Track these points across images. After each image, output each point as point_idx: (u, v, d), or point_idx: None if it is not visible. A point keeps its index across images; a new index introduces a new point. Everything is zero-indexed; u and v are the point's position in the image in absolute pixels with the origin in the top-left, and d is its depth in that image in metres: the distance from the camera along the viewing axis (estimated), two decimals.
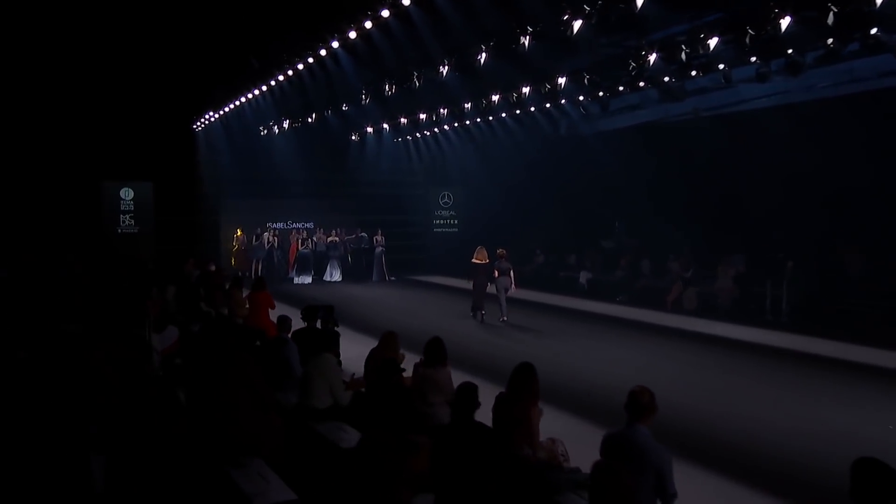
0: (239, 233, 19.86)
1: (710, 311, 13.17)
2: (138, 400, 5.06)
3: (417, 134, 20.00)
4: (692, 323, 12.40)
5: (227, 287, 11.10)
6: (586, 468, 4.06)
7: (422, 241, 22.35)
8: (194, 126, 19.07)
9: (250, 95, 14.66)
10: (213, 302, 10.51)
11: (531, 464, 3.87)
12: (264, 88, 13.58)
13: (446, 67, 11.05)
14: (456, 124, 17.97)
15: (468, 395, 3.78)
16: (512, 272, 12.69)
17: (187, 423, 4.62)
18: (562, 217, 19.34)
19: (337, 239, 19.54)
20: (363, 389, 5.65)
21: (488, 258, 12.80)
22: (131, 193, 19.12)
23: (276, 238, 19.26)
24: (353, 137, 19.75)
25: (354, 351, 7.84)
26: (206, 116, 18.07)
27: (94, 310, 8.56)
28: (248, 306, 10.13)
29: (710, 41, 9.25)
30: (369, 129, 18.88)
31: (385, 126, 18.10)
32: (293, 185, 19.96)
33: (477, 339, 11.06)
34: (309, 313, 6.99)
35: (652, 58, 10.13)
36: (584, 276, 16.70)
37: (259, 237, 19.71)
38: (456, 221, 23.34)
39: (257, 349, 6.62)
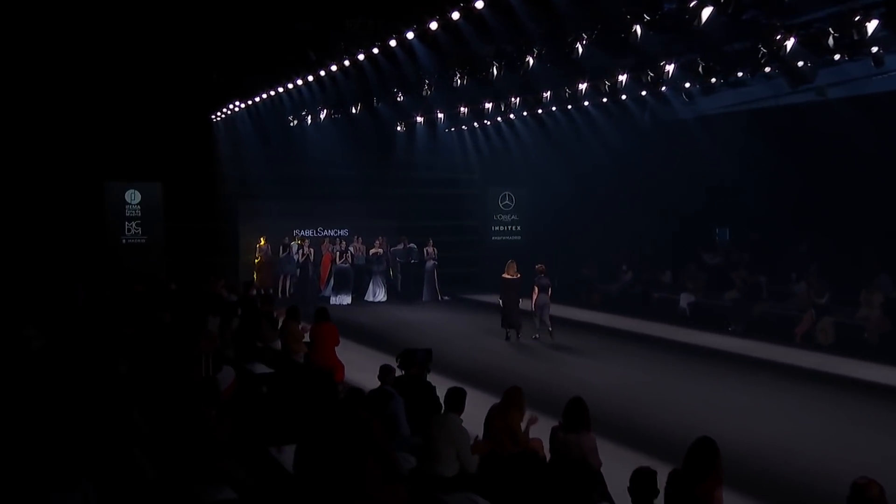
0: (262, 242, 20.53)
1: (853, 347, 13.21)
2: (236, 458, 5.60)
3: (475, 124, 20.44)
4: (829, 362, 12.52)
5: (277, 316, 11.73)
6: None
7: (478, 252, 22.78)
8: (213, 116, 19.78)
9: (290, 86, 15.28)
10: (262, 335, 11.14)
11: None
12: (310, 78, 14.18)
13: (533, 56, 11.48)
14: (525, 113, 18.35)
15: (647, 481, 4.14)
16: (550, 289, 14.39)
17: (309, 492, 5.12)
18: (653, 223, 19.55)
19: (381, 251, 20.06)
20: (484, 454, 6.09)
21: (519, 273, 14.53)
22: (138, 196, 19.92)
23: (311, 249, 19.85)
24: (399, 128, 20.26)
25: None
26: (229, 106, 18.72)
27: (142, 345, 9.17)
28: (304, 340, 10.71)
29: (868, 24, 9.46)
30: (419, 119, 19.37)
31: (440, 115, 18.58)
32: (325, 184, 20.49)
33: (570, 379, 11.41)
34: (407, 359, 7.45)
35: (790, 43, 10.38)
36: (685, 300, 16.94)
37: (287, 247, 20.37)
38: (519, 228, 23.75)
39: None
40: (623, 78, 13.39)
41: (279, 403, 8.17)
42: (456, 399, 6.00)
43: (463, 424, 5.92)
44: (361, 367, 11.42)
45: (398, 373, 7.41)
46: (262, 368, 9.68)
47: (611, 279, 19.64)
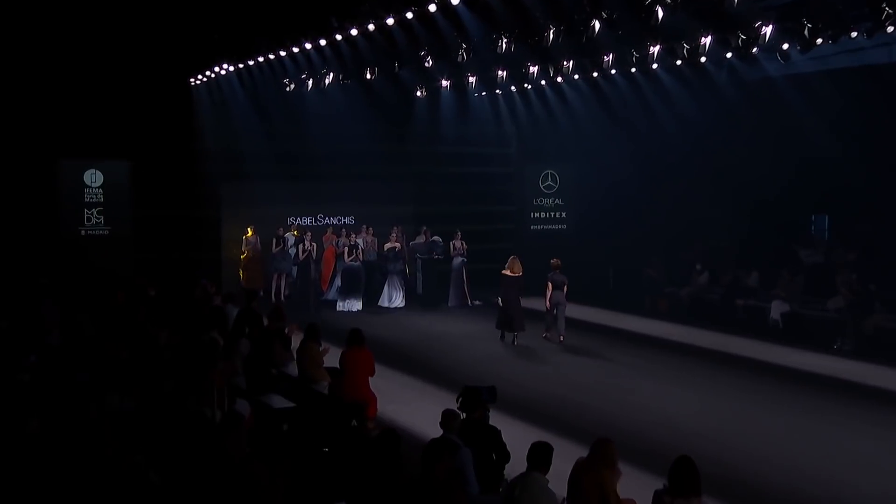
0: (249, 233, 20.94)
1: None
2: None
3: (513, 88, 20.74)
4: None
5: (288, 333, 12.20)
6: None
7: (514, 244, 23.05)
8: (193, 80, 20.14)
9: (296, 49, 15.65)
10: (272, 356, 11.60)
11: None
12: (322, 42, 14.54)
13: (601, 20, 11.87)
14: (577, 76, 18.65)
15: None
16: (566, 286, 16.15)
17: None
18: (734, 210, 19.83)
19: (397, 245, 20.49)
20: None
21: (522, 270, 16.26)
22: (100, 177, 20.28)
23: (312, 245, 20.25)
24: (419, 93, 20.59)
25: None
26: (214, 67, 19.05)
27: (142, 375, 9.65)
28: (323, 363, 11.16)
29: None
30: (444, 83, 19.70)
31: (471, 79, 18.91)
32: (327, 162, 20.88)
33: (645, 411, 11.81)
34: (470, 400, 7.89)
35: None
36: (777, 309, 17.26)
37: (281, 240, 20.81)
38: (564, 215, 24.15)
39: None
40: (707, 40, 13.73)
41: (307, 445, 8.67)
42: (541, 455, 6.44)
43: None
44: (390, 397, 11.91)
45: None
46: (280, 402, 10.15)
47: (681, 281, 19.98)
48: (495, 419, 8.57)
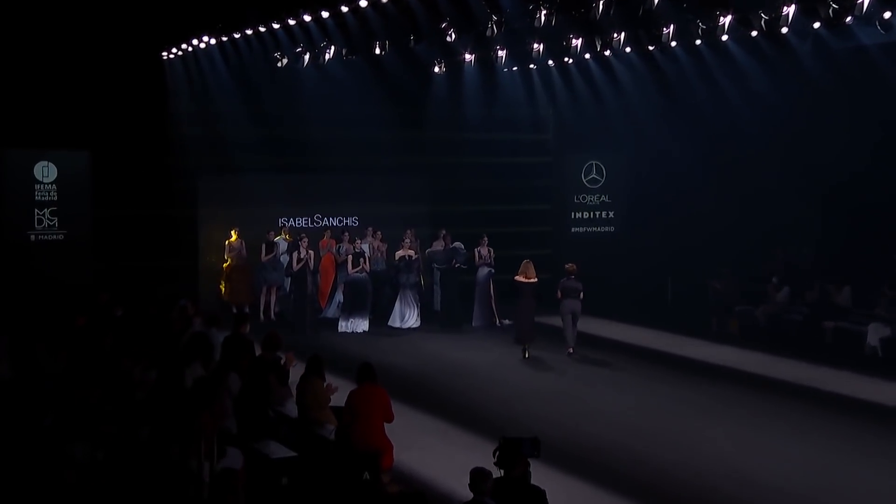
0: (233, 237, 21.07)
1: None
2: None
3: (551, 62, 20.81)
4: None
5: (286, 365, 12.29)
6: None
7: (551, 250, 23.24)
8: (166, 54, 20.30)
9: (292, 21, 15.82)
10: (267, 393, 11.70)
11: None
12: (325, 15, 14.70)
13: None
14: (629, 49, 18.72)
15: None
16: (582, 294, 17.55)
17: None
18: (819, 211, 19.76)
19: (411, 252, 20.59)
20: None
21: (536, 276, 17.81)
22: (53, 171, 20.46)
23: (310, 253, 20.34)
24: (437, 69, 20.70)
25: None
26: (191, 40, 19.22)
27: (105, 417, 9.78)
28: (329, 402, 11.26)
29: None
30: (468, 57, 19.81)
31: (501, 52, 19.02)
32: (326, 152, 21.13)
33: (720, 464, 11.83)
34: (509, 454, 7.95)
35: None
36: (875, 333, 17.22)
37: (272, 246, 20.93)
38: (611, 215, 24.20)
39: None
40: (790, 10, 13.78)
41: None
42: None
43: None
44: (407, 442, 11.91)
45: (496, 473, 7.89)
46: (279, 450, 10.26)
47: (756, 297, 19.95)
48: (538, 474, 8.63)
